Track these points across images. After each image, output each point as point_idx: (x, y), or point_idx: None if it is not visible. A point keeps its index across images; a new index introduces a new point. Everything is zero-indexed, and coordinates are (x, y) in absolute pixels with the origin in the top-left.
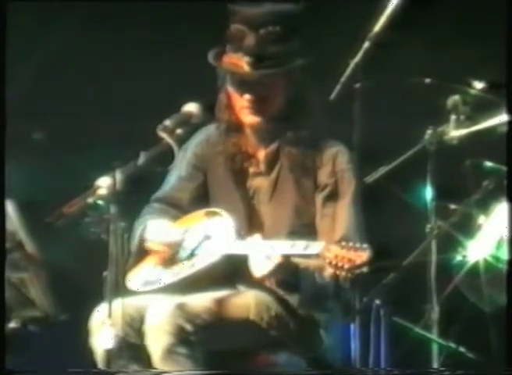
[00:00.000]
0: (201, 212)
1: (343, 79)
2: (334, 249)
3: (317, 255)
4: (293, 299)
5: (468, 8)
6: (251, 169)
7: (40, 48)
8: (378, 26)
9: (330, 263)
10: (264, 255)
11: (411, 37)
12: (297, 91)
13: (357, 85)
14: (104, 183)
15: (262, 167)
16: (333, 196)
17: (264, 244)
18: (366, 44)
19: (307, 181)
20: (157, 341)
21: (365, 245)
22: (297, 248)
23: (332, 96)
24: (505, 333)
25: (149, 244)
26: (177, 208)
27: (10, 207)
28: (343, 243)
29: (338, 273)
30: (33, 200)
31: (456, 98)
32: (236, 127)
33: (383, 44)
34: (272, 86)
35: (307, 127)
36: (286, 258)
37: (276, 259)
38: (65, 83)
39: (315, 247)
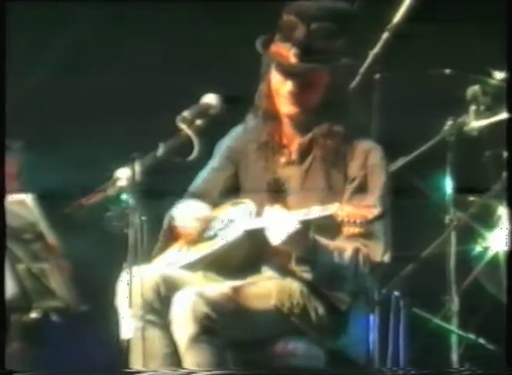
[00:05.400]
0: (227, 204)
1: (362, 70)
2: (347, 208)
3: (331, 216)
4: (309, 277)
5: None
6: (283, 159)
7: (57, 39)
8: (397, 17)
9: (343, 221)
10: (282, 222)
11: (431, 28)
12: (337, 87)
13: (377, 76)
14: (123, 175)
15: (294, 157)
16: (362, 189)
17: (281, 214)
18: (385, 35)
19: (337, 174)
20: (182, 329)
21: (376, 202)
22: (313, 212)
23: (352, 87)
24: (506, 332)
25: (180, 222)
26: (207, 201)
27: (30, 198)
28: (356, 202)
29: (352, 230)
30: (53, 191)
31: (476, 88)
32: (272, 116)
33: (403, 35)
34: (314, 80)
35: (343, 122)
36: (305, 225)
37: (294, 225)
38: (84, 76)
39: (330, 208)
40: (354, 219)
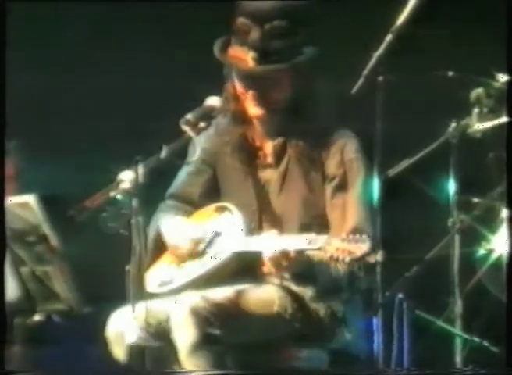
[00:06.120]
0: (211, 208)
1: (365, 72)
2: (335, 242)
3: (320, 249)
4: (308, 292)
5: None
6: (260, 162)
7: (57, 39)
8: (401, 19)
9: (332, 257)
10: (271, 250)
11: (434, 30)
12: (304, 83)
13: (380, 78)
14: (126, 177)
15: (270, 159)
16: (342, 187)
17: (270, 240)
18: (389, 37)
19: (315, 173)
20: (183, 335)
21: (364, 236)
22: (301, 242)
23: (355, 89)
24: (506, 332)
25: (170, 242)
26: (189, 204)
27: (33, 200)
28: (344, 235)
29: (340, 266)
30: (56, 193)
31: (479, 90)
32: (242, 118)
33: (406, 37)
34: (276, 80)
35: (314, 119)
36: (298, 252)
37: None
38: (87, 79)
39: (318, 241)
40: (343, 257)
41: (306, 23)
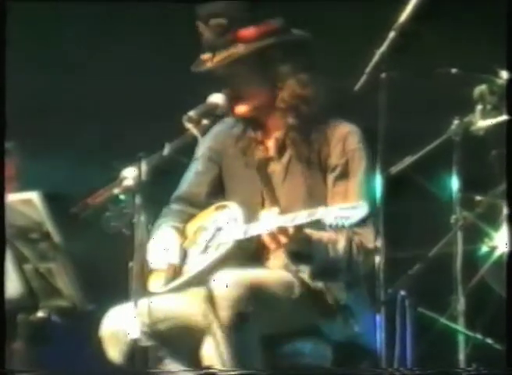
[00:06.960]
0: (212, 208)
1: (368, 69)
2: (333, 211)
3: (319, 221)
4: (306, 273)
5: None
6: (263, 155)
7: (57, 39)
8: (404, 16)
9: (331, 226)
10: (271, 228)
11: (437, 27)
12: (277, 77)
13: (383, 75)
14: (129, 174)
15: (273, 152)
16: (344, 175)
17: (269, 219)
18: (392, 34)
19: (317, 164)
20: (222, 311)
21: (361, 202)
22: (300, 218)
23: (357, 87)
24: (506, 333)
25: (154, 265)
26: (194, 206)
27: (37, 197)
28: (341, 205)
29: (341, 233)
30: (59, 191)
31: (483, 87)
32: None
33: (409, 34)
34: (240, 76)
35: (309, 112)
36: (298, 229)
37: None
38: (87, 79)
39: (316, 213)
40: (342, 223)
41: (242, 21)
